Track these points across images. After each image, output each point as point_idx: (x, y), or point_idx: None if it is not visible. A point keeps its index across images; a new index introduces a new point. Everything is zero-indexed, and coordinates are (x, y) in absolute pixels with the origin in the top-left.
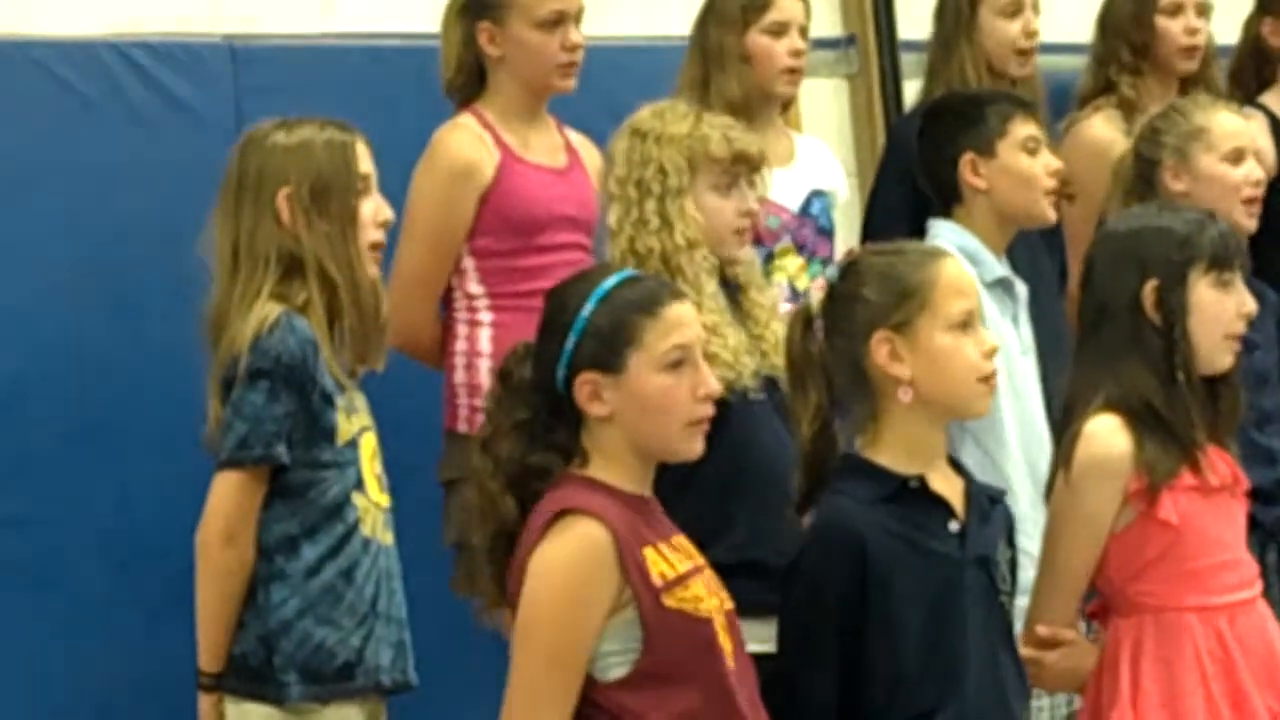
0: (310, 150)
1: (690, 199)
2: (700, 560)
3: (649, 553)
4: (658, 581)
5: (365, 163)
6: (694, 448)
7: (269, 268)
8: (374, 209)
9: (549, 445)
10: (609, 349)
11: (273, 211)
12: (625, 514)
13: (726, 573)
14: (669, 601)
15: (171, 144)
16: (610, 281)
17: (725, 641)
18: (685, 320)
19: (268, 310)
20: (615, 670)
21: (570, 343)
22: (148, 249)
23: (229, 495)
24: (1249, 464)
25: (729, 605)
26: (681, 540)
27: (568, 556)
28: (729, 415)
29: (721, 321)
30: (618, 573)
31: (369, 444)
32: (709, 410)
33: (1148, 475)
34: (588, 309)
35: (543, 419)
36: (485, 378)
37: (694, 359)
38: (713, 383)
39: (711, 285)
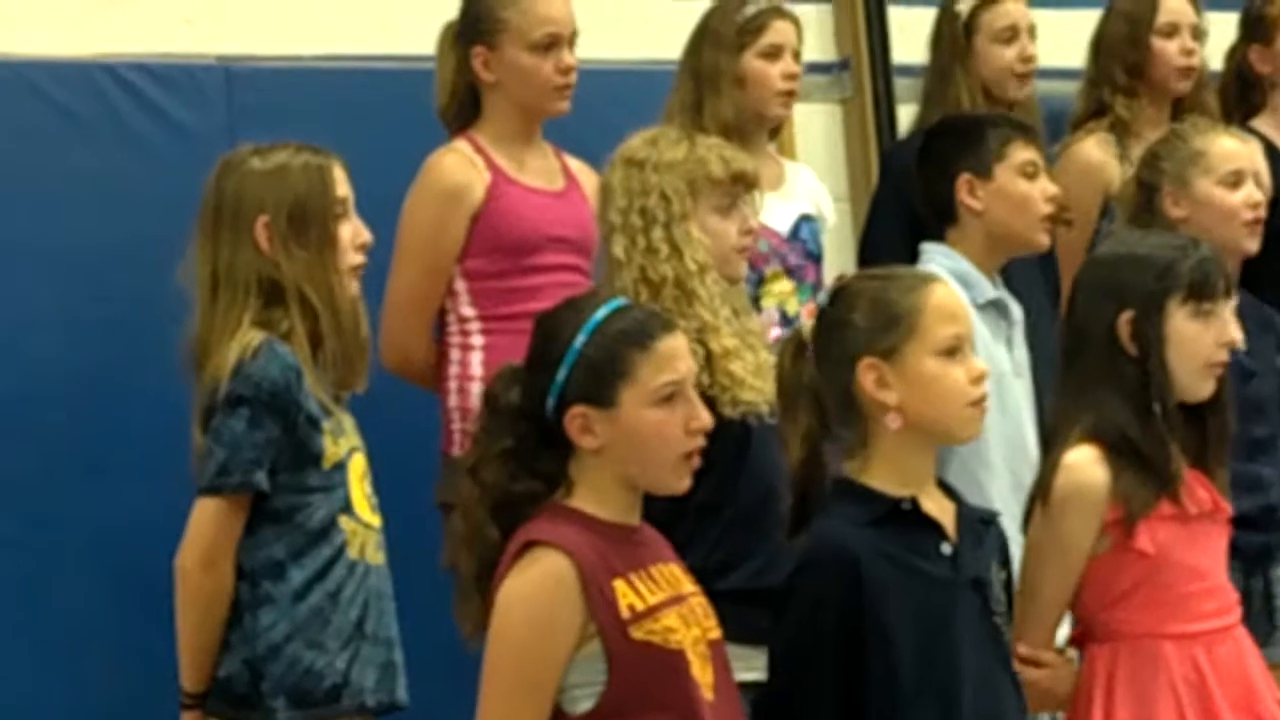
0: (287, 175)
1: (694, 223)
2: (686, 589)
3: (619, 584)
4: (625, 614)
5: (342, 186)
6: (683, 482)
7: (249, 295)
8: (352, 232)
9: (535, 473)
10: (600, 383)
11: (251, 239)
12: (598, 545)
13: (744, 599)
14: (637, 634)
15: (165, 165)
16: (601, 313)
17: (703, 673)
18: (678, 353)
19: (250, 337)
20: (582, 703)
21: (561, 375)
22: (141, 270)
23: (208, 522)
24: (1235, 491)
25: (714, 635)
26: (666, 570)
27: (530, 590)
28: (752, 440)
29: (741, 345)
30: (582, 605)
31: (358, 465)
32: (700, 443)
33: (1124, 507)
34: (579, 340)
35: (529, 446)
36: (478, 401)
37: (686, 392)
38: (704, 415)
39: (726, 309)
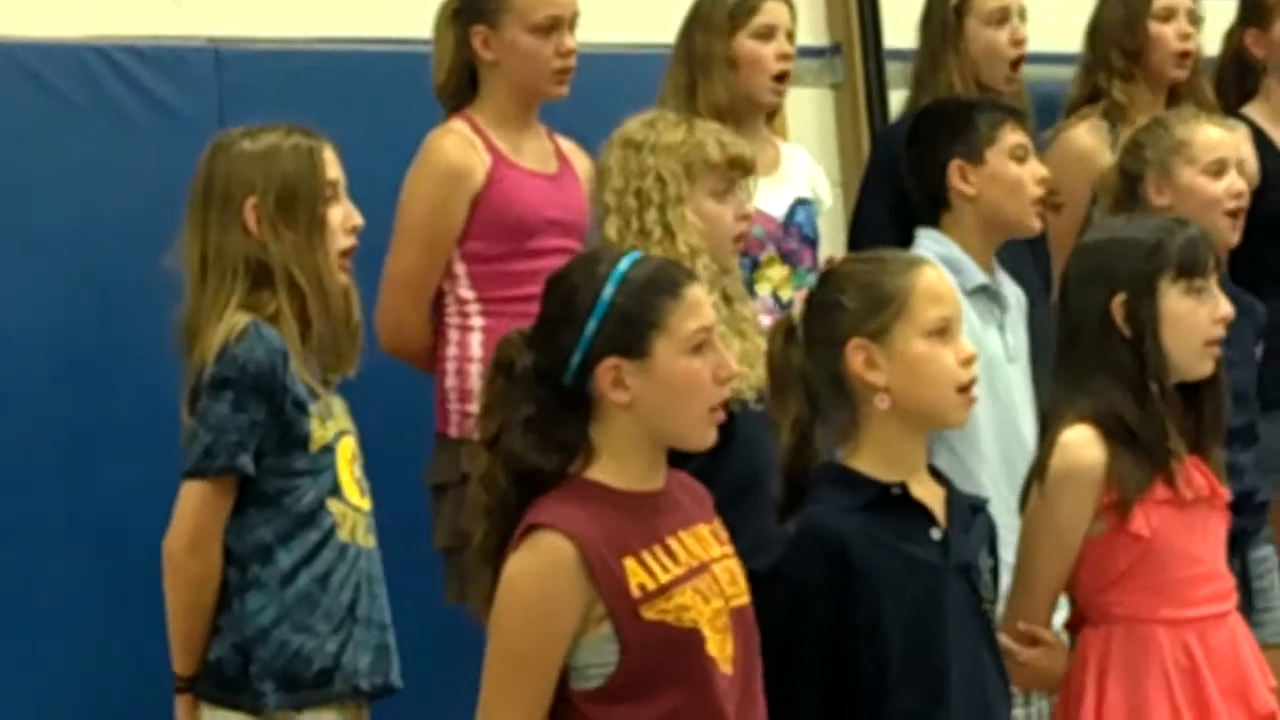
0: (276, 157)
1: (689, 207)
2: (712, 554)
3: (629, 563)
4: (636, 593)
5: (333, 169)
6: (710, 435)
7: (237, 277)
8: (343, 215)
9: (556, 444)
10: (634, 333)
11: (240, 221)
12: (610, 522)
13: None
14: (648, 614)
15: (155, 148)
16: (625, 263)
17: (721, 648)
18: (703, 300)
19: (236, 320)
20: (595, 681)
21: (590, 328)
22: (132, 252)
23: (194, 505)
24: None
25: (738, 602)
26: (691, 536)
27: (528, 572)
28: (735, 425)
29: (727, 331)
30: (587, 587)
31: (347, 448)
32: (727, 393)
33: (1119, 489)
34: (608, 291)
35: (550, 413)
36: (476, 382)
37: (713, 340)
38: (732, 363)
39: (714, 295)
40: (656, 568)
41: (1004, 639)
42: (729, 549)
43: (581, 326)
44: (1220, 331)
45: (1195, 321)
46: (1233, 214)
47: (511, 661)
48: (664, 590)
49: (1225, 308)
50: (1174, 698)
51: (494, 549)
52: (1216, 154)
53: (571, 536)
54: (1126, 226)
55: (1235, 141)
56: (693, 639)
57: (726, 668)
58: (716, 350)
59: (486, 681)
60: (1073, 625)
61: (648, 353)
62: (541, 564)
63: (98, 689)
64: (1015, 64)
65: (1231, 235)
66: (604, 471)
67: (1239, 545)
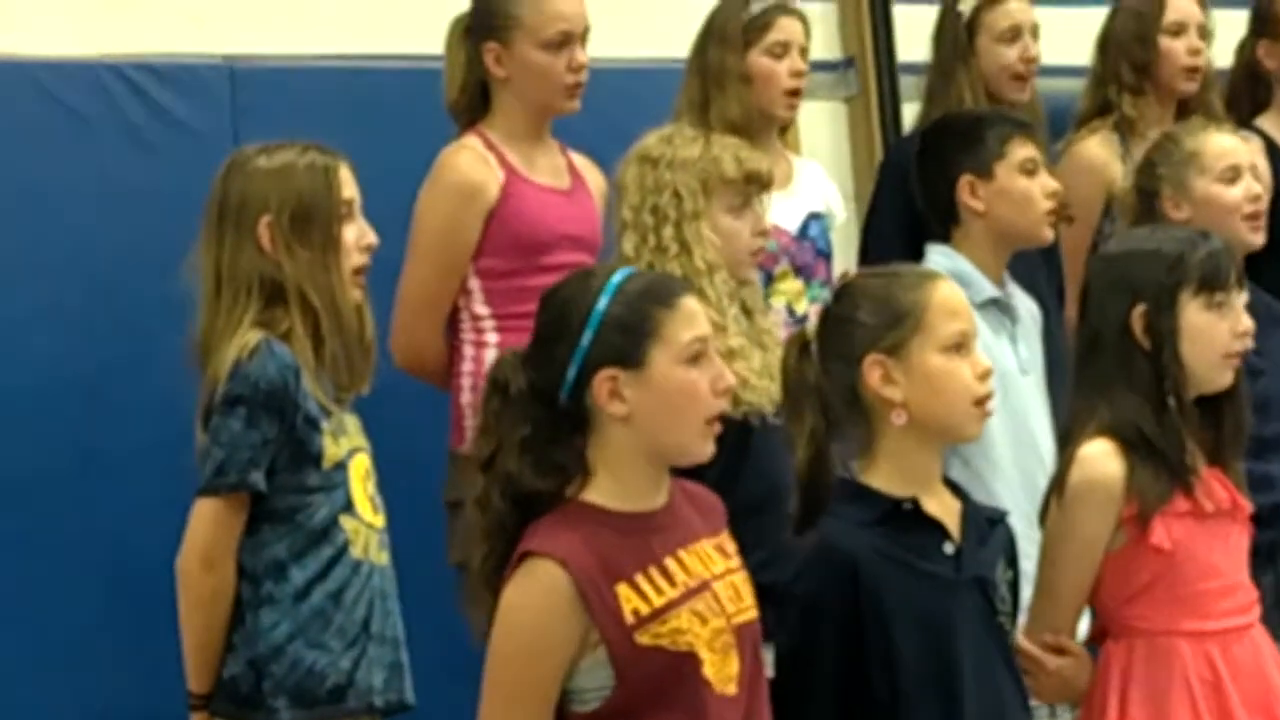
0: (291, 175)
1: (706, 222)
2: (715, 571)
3: (622, 589)
4: (630, 619)
5: (348, 187)
6: (707, 448)
7: (251, 295)
8: (357, 233)
9: (553, 465)
10: (630, 343)
11: (254, 239)
12: (605, 547)
13: None
14: (643, 639)
15: (170, 164)
16: (619, 276)
17: (722, 668)
18: (699, 312)
19: (249, 337)
20: (591, 704)
21: (586, 339)
22: (146, 269)
23: (207, 522)
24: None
25: (742, 619)
26: (691, 555)
27: (522, 602)
28: (753, 440)
29: (747, 345)
30: (581, 615)
31: (360, 465)
32: (725, 406)
33: (1139, 502)
34: (602, 302)
35: (545, 433)
36: None
37: (710, 351)
38: (729, 375)
39: (733, 309)
40: (651, 591)
41: (1031, 648)
42: (734, 562)
43: (577, 339)
44: (1240, 346)
45: (1215, 335)
46: (1252, 217)
47: (509, 691)
48: (658, 614)
49: (1246, 322)
50: (1197, 710)
51: (492, 571)
52: (1228, 161)
53: (564, 564)
54: (1149, 238)
55: (1250, 149)
56: (689, 662)
57: (729, 688)
58: (713, 362)
59: (485, 709)
60: (1095, 638)
61: (644, 362)
62: (536, 593)
63: (110, 706)
64: (1025, 81)
65: (1254, 239)
66: (600, 492)
67: (1272, 557)
